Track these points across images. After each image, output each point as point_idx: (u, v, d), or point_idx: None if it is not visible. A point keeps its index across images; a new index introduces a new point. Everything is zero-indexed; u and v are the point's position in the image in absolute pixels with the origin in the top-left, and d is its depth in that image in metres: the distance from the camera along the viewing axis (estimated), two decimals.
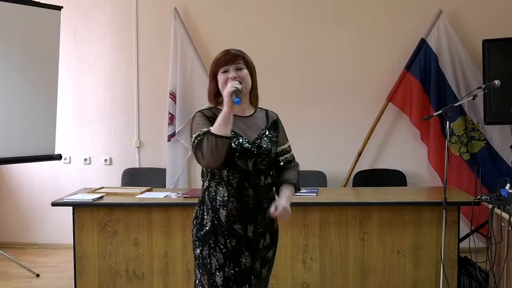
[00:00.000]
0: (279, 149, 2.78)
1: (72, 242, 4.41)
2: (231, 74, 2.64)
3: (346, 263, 4.29)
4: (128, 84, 5.98)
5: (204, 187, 2.70)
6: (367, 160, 5.75)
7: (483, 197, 4.05)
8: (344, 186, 5.64)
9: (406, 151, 5.73)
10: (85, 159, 6.07)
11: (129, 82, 5.97)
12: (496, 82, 4.02)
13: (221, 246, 2.62)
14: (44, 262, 5.63)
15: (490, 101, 5.12)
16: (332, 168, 5.68)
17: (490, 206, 3.96)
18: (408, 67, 5.53)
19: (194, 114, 2.70)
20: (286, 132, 2.86)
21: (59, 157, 5.35)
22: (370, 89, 5.71)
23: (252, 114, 2.77)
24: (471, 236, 4.13)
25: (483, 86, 4.24)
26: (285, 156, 2.80)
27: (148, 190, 4.75)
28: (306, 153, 5.74)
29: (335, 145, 5.78)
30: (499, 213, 3.86)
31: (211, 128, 2.50)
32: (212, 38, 5.78)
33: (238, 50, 2.73)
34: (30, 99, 5.14)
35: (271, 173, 2.75)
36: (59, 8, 5.31)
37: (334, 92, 5.77)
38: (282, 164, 2.79)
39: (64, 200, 4.44)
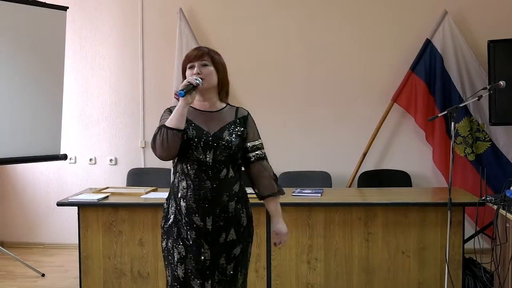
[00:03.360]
0: (249, 144, 2.79)
1: (77, 242, 4.42)
2: (195, 69, 2.71)
3: (351, 263, 4.29)
4: (133, 85, 5.99)
5: (171, 180, 2.80)
6: (372, 160, 5.75)
7: (488, 198, 4.04)
8: (349, 186, 5.64)
9: (411, 151, 5.72)
10: (91, 159, 6.09)
11: (135, 82, 5.99)
12: (501, 82, 4.03)
13: (183, 239, 2.68)
14: (49, 262, 5.64)
15: (495, 102, 5.12)
16: (337, 169, 5.68)
17: (495, 207, 3.95)
18: (413, 67, 5.52)
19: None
20: (259, 130, 2.88)
21: (64, 157, 5.36)
22: (375, 90, 5.71)
23: (219, 110, 2.81)
24: (476, 237, 4.12)
25: (488, 87, 4.25)
26: (256, 152, 2.80)
27: (153, 190, 4.76)
28: (311, 154, 5.77)
29: (340, 145, 5.78)
30: (504, 214, 3.86)
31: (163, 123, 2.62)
32: (217, 39, 5.79)
33: (207, 48, 2.81)
34: (36, 99, 5.16)
35: (237, 167, 2.76)
36: (64, 8, 5.33)
37: (339, 93, 5.77)
38: (252, 160, 2.79)
39: (69, 200, 4.45)
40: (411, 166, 5.66)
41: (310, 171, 5.63)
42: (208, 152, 2.66)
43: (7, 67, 4.97)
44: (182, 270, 2.68)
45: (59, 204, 4.45)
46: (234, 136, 2.72)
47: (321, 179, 5.51)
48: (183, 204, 2.69)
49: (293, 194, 4.52)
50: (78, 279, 4.44)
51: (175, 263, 2.70)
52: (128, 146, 6.05)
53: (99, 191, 4.73)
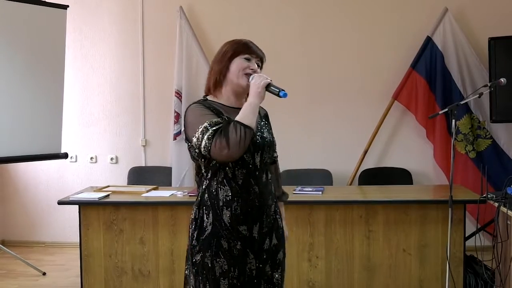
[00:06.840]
0: None
1: (78, 241, 4.42)
2: (255, 65, 2.63)
3: (352, 261, 4.29)
4: (134, 83, 5.99)
5: (203, 187, 2.51)
6: (373, 158, 5.75)
7: (489, 196, 4.03)
8: (350, 184, 5.64)
9: (412, 149, 5.72)
10: (91, 158, 6.09)
11: (135, 80, 5.99)
12: (502, 80, 4.02)
13: (225, 251, 2.45)
14: (51, 261, 5.65)
15: (496, 99, 5.12)
16: (338, 167, 5.67)
17: (496, 204, 3.94)
18: (414, 65, 5.51)
19: (189, 107, 2.52)
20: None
21: (65, 155, 5.37)
22: (376, 87, 5.71)
23: None
24: (477, 235, 4.12)
25: (489, 84, 4.24)
26: (275, 151, 2.76)
27: (154, 189, 4.76)
28: (312, 152, 5.77)
29: (340, 143, 5.77)
30: (505, 212, 3.85)
31: (226, 117, 2.43)
32: (217, 37, 5.77)
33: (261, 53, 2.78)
34: (36, 98, 5.16)
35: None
36: (65, 7, 5.33)
37: (340, 91, 5.76)
38: (276, 159, 2.77)
39: (70, 199, 4.45)
40: (412, 163, 5.66)
41: (311, 169, 5.62)
42: (256, 154, 2.48)
43: (8, 66, 4.97)
44: (226, 285, 2.45)
45: (60, 202, 4.45)
46: (271, 134, 2.66)
47: (322, 177, 5.51)
48: (226, 213, 2.43)
49: (294, 192, 4.52)
50: (79, 278, 4.44)
51: (217, 278, 2.44)
52: (129, 145, 6.05)
53: (100, 189, 4.74)
